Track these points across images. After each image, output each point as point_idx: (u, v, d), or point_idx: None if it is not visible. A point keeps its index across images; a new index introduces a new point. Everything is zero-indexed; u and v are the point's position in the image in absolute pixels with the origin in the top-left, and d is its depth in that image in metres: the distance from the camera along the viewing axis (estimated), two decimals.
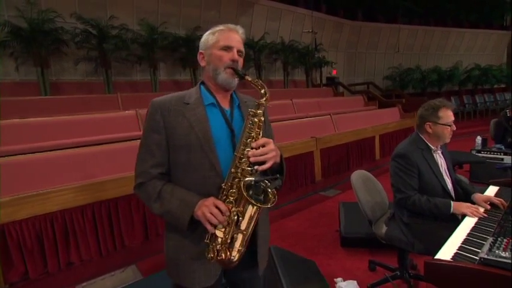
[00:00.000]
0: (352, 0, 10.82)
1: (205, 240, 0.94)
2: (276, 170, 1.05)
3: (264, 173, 0.99)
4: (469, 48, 13.01)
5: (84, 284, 2.24)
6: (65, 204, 2.23)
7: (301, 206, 3.66)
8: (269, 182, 0.96)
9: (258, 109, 0.97)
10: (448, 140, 1.85)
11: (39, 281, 2.16)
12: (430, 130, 1.82)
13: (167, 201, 0.97)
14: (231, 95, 1.11)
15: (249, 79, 1.00)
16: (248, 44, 7.58)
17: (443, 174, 1.84)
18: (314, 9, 9.04)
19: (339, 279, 2.12)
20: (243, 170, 0.93)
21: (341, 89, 9.78)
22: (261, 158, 0.93)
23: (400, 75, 11.53)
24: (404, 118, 6.62)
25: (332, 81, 10.14)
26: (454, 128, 1.82)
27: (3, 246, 2.04)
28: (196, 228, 0.96)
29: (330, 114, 5.24)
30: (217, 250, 0.92)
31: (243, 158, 0.93)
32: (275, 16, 8.63)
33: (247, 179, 0.92)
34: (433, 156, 1.84)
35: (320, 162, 4.20)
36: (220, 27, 1.07)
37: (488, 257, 1.09)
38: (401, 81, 11.44)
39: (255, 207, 0.91)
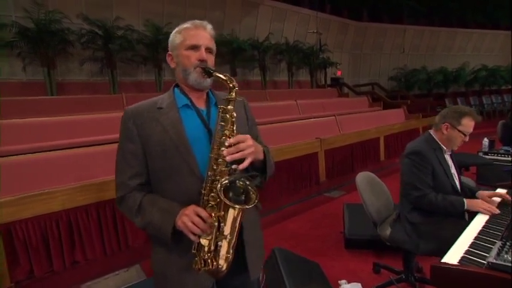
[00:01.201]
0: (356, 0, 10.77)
1: (193, 251, 0.88)
2: (259, 168, 0.99)
3: (246, 172, 0.93)
4: (476, 48, 12.87)
5: (89, 283, 2.25)
6: (69, 203, 2.25)
7: (305, 207, 3.64)
8: (247, 180, 0.89)
9: (228, 105, 0.91)
10: (456, 148, 1.86)
11: (45, 279, 2.18)
12: (445, 131, 1.82)
13: (148, 212, 0.92)
14: (207, 94, 1.06)
15: (217, 74, 0.93)
16: (253, 44, 7.60)
17: (453, 175, 1.85)
18: (319, 10, 9.01)
19: (343, 281, 2.10)
20: (221, 171, 0.87)
21: (346, 89, 9.75)
22: (237, 155, 0.85)
23: (405, 76, 11.47)
24: (410, 119, 6.57)
25: (337, 82, 10.12)
26: (467, 140, 1.82)
27: (10, 245, 2.06)
28: (182, 238, 0.89)
29: (334, 115, 5.22)
30: (204, 260, 0.87)
31: (219, 158, 0.87)
32: (280, 17, 8.63)
33: (223, 181, 0.86)
34: (444, 157, 1.85)
35: (324, 163, 4.18)
36: (187, 24, 1.01)
37: (497, 262, 1.07)
38: (406, 82, 11.37)
39: (236, 209, 0.84)
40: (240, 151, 0.86)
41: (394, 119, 6.34)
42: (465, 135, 1.78)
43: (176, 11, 6.78)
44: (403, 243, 1.81)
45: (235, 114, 0.91)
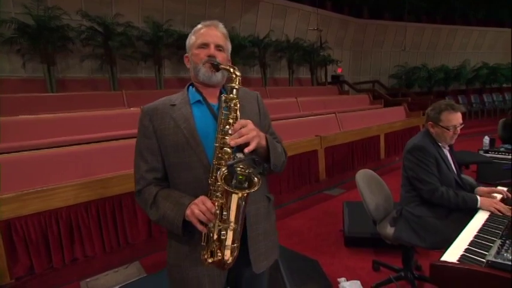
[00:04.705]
0: None
1: (202, 243, 0.90)
2: (264, 156, 0.98)
3: (251, 160, 0.92)
4: (477, 46, 12.79)
5: (88, 279, 2.26)
6: (69, 200, 2.25)
7: (305, 205, 3.65)
8: (251, 166, 0.88)
9: (230, 93, 0.93)
10: (450, 142, 1.86)
11: (44, 275, 2.19)
12: (431, 129, 1.86)
13: (162, 205, 0.96)
14: (220, 91, 1.08)
15: (223, 67, 0.97)
16: (253, 41, 7.56)
17: (454, 168, 1.86)
18: (319, 7, 8.96)
19: (342, 279, 2.11)
20: (225, 160, 0.89)
21: (346, 87, 9.71)
22: (241, 140, 0.86)
23: (406, 74, 11.42)
24: (410, 117, 6.56)
25: (337, 80, 10.07)
26: (457, 132, 1.81)
27: (10, 241, 2.06)
28: (194, 231, 0.92)
29: (334, 113, 5.21)
30: (211, 251, 0.88)
31: (224, 147, 0.89)
32: (280, 13, 8.58)
33: (223, 168, 0.87)
34: (444, 152, 1.86)
35: (324, 161, 4.18)
36: (199, 26, 1.07)
37: (496, 260, 1.07)
38: (407, 80, 11.33)
39: (238, 195, 0.83)
40: (243, 135, 0.87)
41: (395, 116, 6.32)
42: (449, 129, 1.78)
43: (176, 8, 6.74)
44: (409, 240, 1.80)
45: (238, 103, 0.93)
